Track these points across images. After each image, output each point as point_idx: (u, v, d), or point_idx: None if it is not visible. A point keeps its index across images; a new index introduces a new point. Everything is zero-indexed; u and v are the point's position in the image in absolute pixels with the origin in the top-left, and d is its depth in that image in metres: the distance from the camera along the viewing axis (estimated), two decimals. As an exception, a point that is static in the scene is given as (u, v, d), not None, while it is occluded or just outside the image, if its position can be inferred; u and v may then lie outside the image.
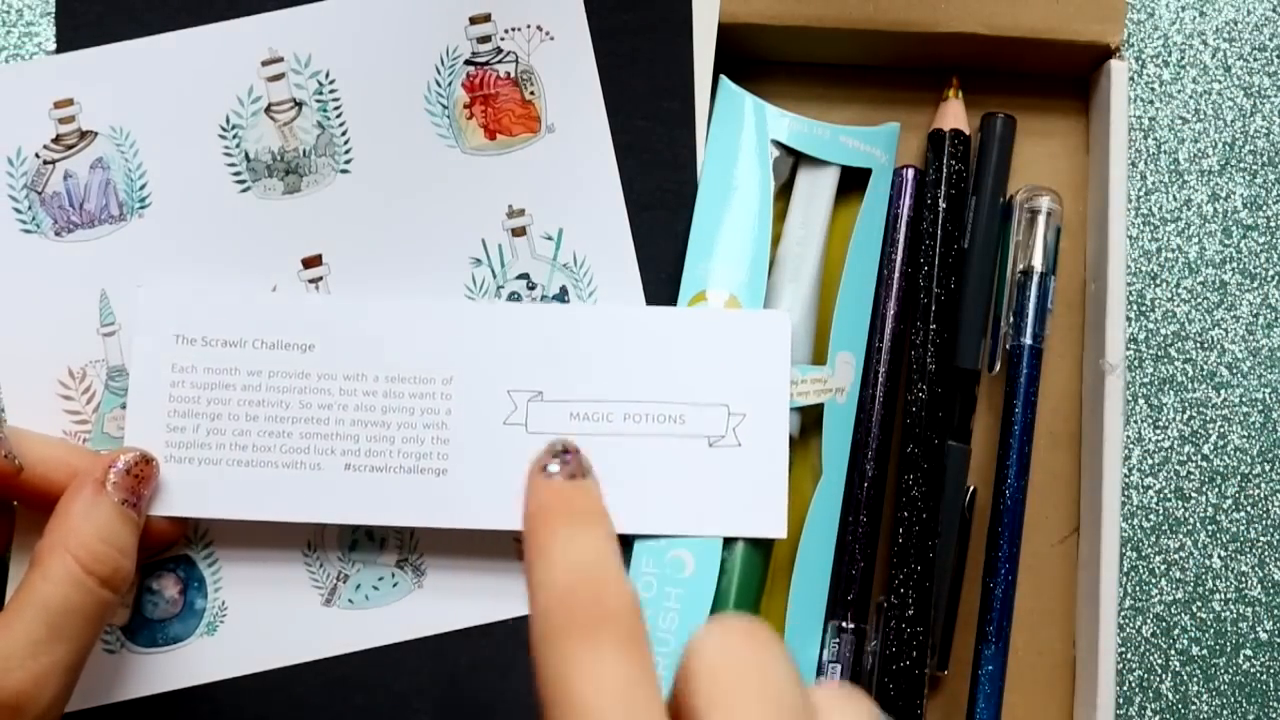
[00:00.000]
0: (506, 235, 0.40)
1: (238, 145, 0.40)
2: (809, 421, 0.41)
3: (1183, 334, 0.45)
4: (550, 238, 0.40)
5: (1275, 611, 0.44)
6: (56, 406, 0.39)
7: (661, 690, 0.28)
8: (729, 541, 0.39)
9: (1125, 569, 0.44)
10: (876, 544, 0.41)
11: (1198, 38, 0.46)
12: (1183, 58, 0.46)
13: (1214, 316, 0.45)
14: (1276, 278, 0.45)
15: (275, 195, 0.40)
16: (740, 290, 0.40)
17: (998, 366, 0.43)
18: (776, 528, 0.39)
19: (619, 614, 0.29)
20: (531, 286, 0.40)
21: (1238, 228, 0.45)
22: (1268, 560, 0.44)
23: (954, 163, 0.42)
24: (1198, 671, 0.44)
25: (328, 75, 0.40)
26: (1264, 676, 0.44)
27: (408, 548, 0.40)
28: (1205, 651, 0.44)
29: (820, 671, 0.40)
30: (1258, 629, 0.44)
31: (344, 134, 0.40)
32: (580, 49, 0.40)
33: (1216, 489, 0.44)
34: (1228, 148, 0.45)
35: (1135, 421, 0.44)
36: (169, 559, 0.39)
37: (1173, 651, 0.44)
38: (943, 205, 0.42)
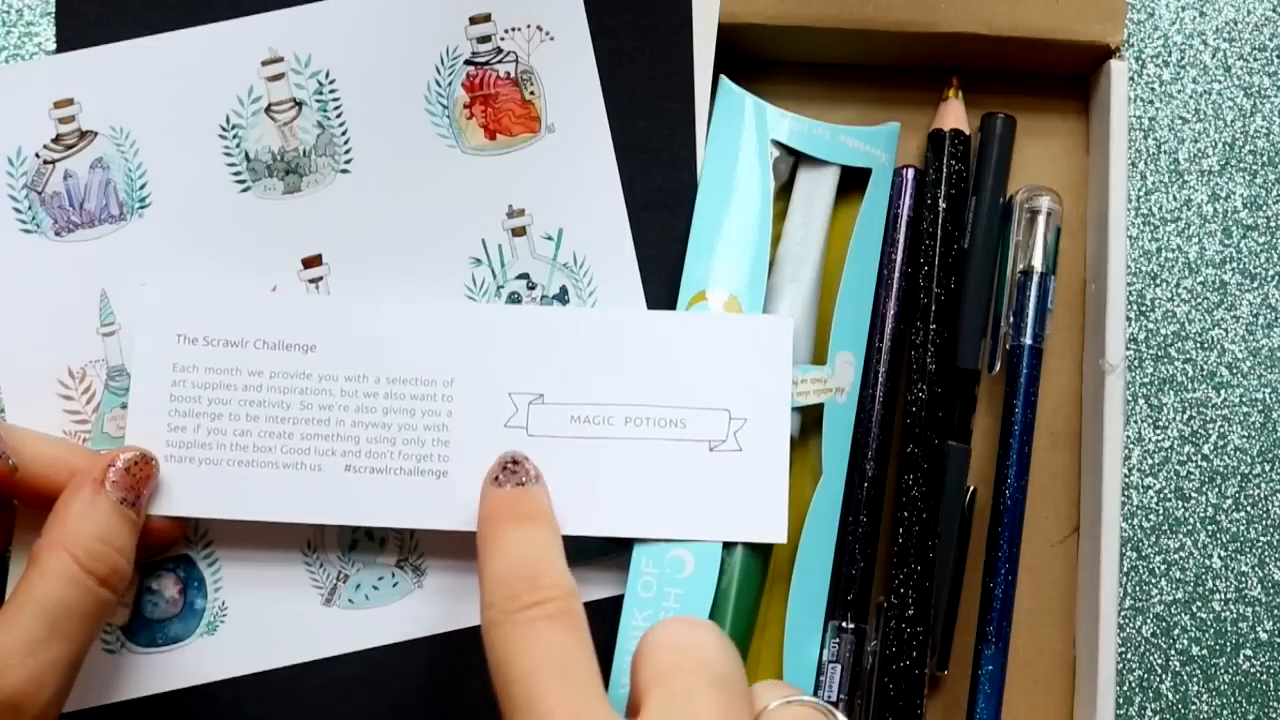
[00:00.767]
0: (506, 235, 0.40)
1: (238, 145, 0.40)
2: (809, 421, 0.41)
3: (1183, 334, 0.45)
4: (550, 238, 0.40)
5: (1275, 611, 0.44)
6: (56, 406, 0.39)
7: (597, 664, 0.31)
8: (729, 542, 0.39)
9: (1125, 569, 0.44)
10: (876, 544, 0.41)
11: (1198, 38, 0.46)
12: (1183, 58, 0.46)
13: (1214, 316, 0.45)
14: (1276, 278, 0.45)
15: (275, 195, 0.40)
16: (740, 290, 0.40)
17: (998, 366, 0.43)
18: (777, 533, 0.39)
19: (554, 597, 0.32)
20: (531, 286, 0.40)
21: (1238, 228, 0.45)
22: (1268, 560, 0.44)
23: (954, 163, 0.42)
24: (1198, 671, 0.44)
25: (328, 75, 0.40)
26: (1264, 676, 0.44)
27: (408, 548, 0.40)
28: (1205, 651, 0.44)
29: (820, 671, 0.40)
30: (1258, 629, 0.44)
31: (344, 134, 0.40)
32: (580, 49, 0.40)
33: (1216, 489, 0.44)
34: (1228, 148, 0.45)
35: (1135, 421, 0.44)
36: (169, 559, 0.39)
37: (1173, 651, 0.44)
38: (943, 205, 0.42)
